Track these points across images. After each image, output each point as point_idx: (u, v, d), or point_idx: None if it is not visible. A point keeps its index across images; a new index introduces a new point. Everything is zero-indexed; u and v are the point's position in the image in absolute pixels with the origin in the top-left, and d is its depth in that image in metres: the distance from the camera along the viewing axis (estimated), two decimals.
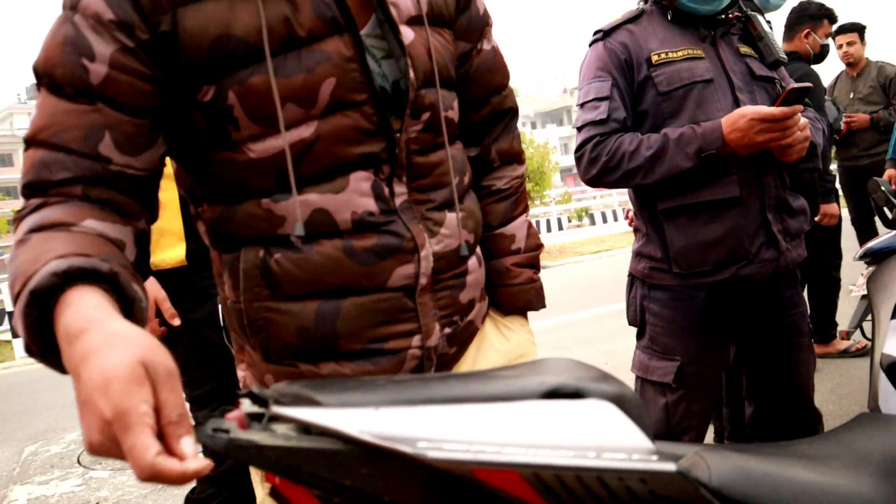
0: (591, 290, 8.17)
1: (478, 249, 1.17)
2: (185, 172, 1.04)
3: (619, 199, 18.57)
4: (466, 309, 1.11)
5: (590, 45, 1.93)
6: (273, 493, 0.73)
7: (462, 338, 1.13)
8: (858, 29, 4.91)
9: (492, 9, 2.21)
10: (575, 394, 0.70)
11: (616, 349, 5.16)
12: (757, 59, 1.86)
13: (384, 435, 0.61)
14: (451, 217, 1.07)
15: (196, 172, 1.01)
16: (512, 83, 1.27)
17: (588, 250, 13.12)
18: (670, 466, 0.62)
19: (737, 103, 1.77)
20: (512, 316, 1.22)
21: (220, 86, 0.92)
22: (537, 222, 14.80)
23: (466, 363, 1.15)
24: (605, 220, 15.96)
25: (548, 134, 63.68)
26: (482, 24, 1.17)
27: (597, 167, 1.84)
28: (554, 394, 0.70)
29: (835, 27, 3.97)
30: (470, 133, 1.20)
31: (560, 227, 15.09)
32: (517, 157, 1.25)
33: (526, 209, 1.28)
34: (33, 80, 0.99)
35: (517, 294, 1.21)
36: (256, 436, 0.64)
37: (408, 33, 1.01)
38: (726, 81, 1.80)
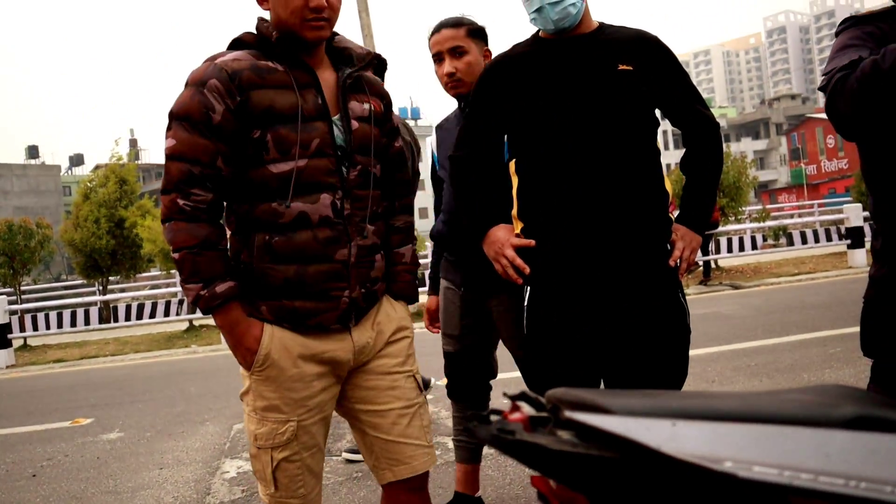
0: (790, 315, 7.57)
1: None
2: (231, 184, 1.70)
3: (820, 217, 17.10)
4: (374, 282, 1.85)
5: (837, 35, 1.79)
6: (541, 497, 0.72)
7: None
8: None
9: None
10: (880, 423, 0.64)
11: (823, 380, 4.72)
12: None
13: (685, 451, 0.57)
14: (369, 227, 1.80)
15: (238, 183, 1.69)
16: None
17: (786, 272, 12.16)
18: None
19: None
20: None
21: (263, 130, 1.65)
22: (729, 240, 13.88)
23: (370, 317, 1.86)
24: (804, 241, 14.64)
25: (743, 147, 60.25)
26: (396, 131, 1.96)
27: (848, 87, 1.60)
28: (858, 422, 0.64)
29: None
30: (385, 192, 1.92)
31: (754, 246, 14.05)
32: (410, 209, 2.02)
33: (414, 241, 2.02)
34: None
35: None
36: (543, 439, 0.63)
37: (354, 124, 1.77)
38: None
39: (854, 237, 12.19)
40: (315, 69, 1.74)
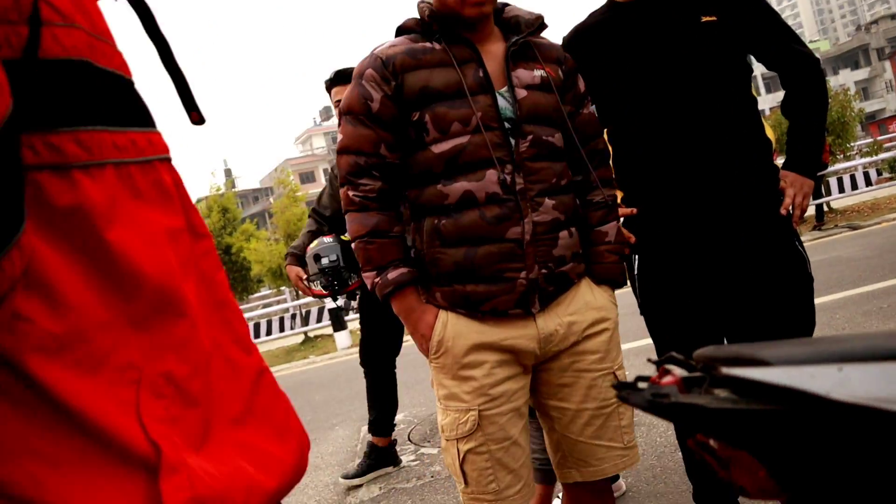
0: None
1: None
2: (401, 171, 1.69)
3: None
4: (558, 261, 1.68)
5: None
6: (701, 458, 0.71)
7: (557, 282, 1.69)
8: None
9: None
10: None
11: None
12: None
13: (857, 395, 0.55)
14: (548, 202, 1.66)
15: (407, 169, 1.68)
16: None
17: None
18: None
19: None
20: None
21: (421, 111, 1.63)
22: (839, 179, 13.08)
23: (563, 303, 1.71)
24: None
25: (842, 79, 56.57)
26: (584, 97, 1.82)
27: None
28: None
29: None
30: (575, 164, 1.79)
31: (868, 183, 13.18)
32: (610, 181, 1.84)
33: (618, 217, 1.84)
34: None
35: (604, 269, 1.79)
36: (700, 399, 0.62)
37: (521, 93, 1.67)
38: None
39: None
40: (480, 44, 1.69)
